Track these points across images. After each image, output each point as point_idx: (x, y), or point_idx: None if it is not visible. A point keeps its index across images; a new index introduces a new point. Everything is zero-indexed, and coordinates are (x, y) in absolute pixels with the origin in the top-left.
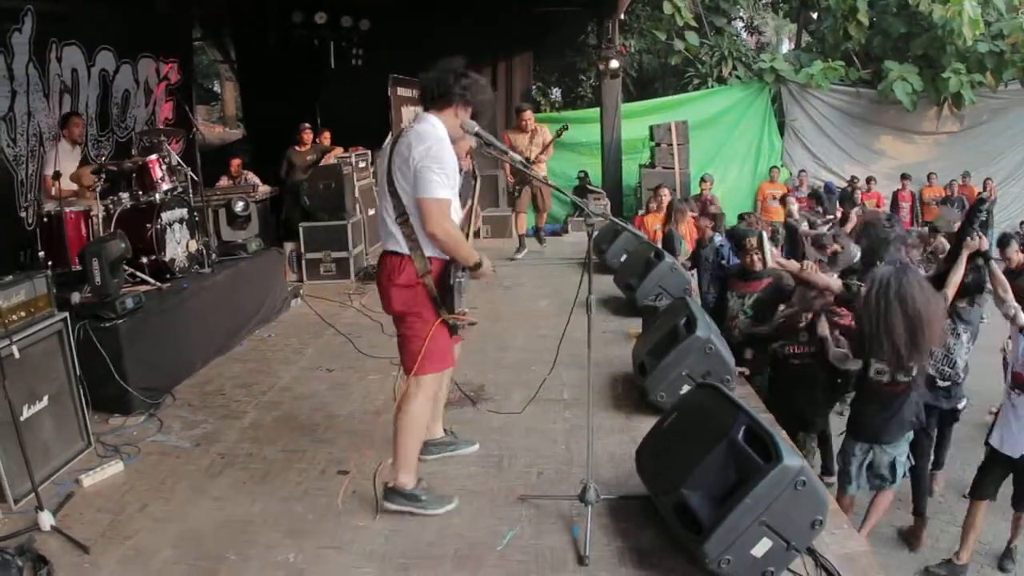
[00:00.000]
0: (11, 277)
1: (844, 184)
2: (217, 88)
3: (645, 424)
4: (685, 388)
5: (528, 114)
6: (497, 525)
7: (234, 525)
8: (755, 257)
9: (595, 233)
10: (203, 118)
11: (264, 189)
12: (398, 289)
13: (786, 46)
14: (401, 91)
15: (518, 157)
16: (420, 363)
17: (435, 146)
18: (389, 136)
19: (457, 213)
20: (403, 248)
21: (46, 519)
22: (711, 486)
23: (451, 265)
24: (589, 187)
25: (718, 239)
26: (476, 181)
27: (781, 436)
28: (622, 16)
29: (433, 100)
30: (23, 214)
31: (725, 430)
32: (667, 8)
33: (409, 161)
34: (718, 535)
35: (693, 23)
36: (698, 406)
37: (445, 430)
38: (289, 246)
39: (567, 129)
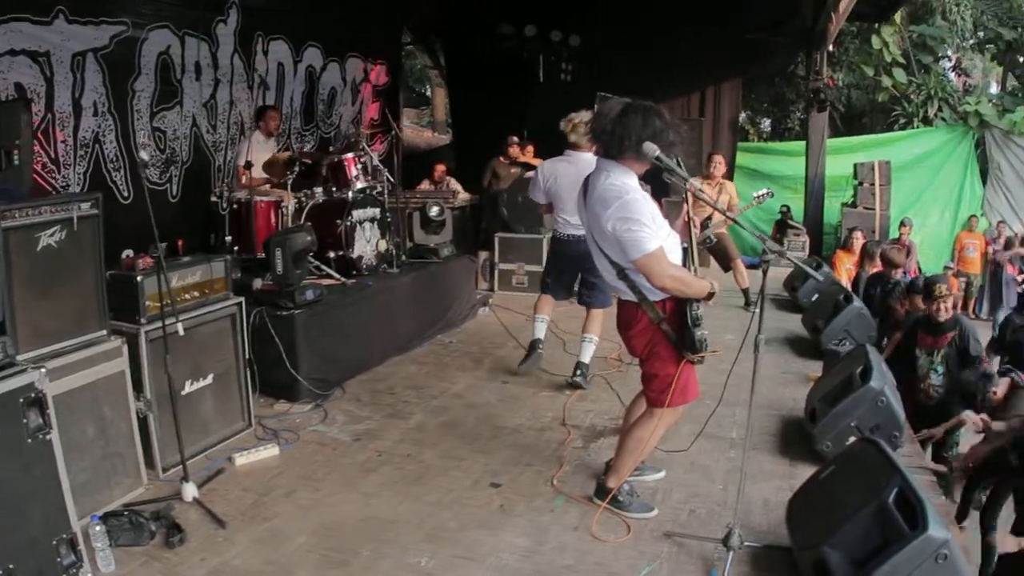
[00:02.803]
0: (189, 258)
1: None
2: (429, 92)
3: (808, 472)
4: (852, 440)
5: (719, 159)
6: (637, 559)
7: (376, 522)
8: (943, 306)
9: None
10: (412, 121)
11: (464, 196)
12: (637, 335)
13: (994, 89)
14: None
15: (698, 185)
16: (668, 398)
17: (620, 205)
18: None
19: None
20: (632, 298)
21: (189, 490)
22: (854, 547)
23: (685, 305)
24: (790, 222)
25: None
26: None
27: (934, 503)
28: (830, 48)
29: (608, 153)
30: (217, 199)
31: (878, 490)
32: (876, 43)
33: (604, 228)
34: None
35: (901, 60)
36: (856, 461)
37: None
38: (483, 255)
39: (770, 195)
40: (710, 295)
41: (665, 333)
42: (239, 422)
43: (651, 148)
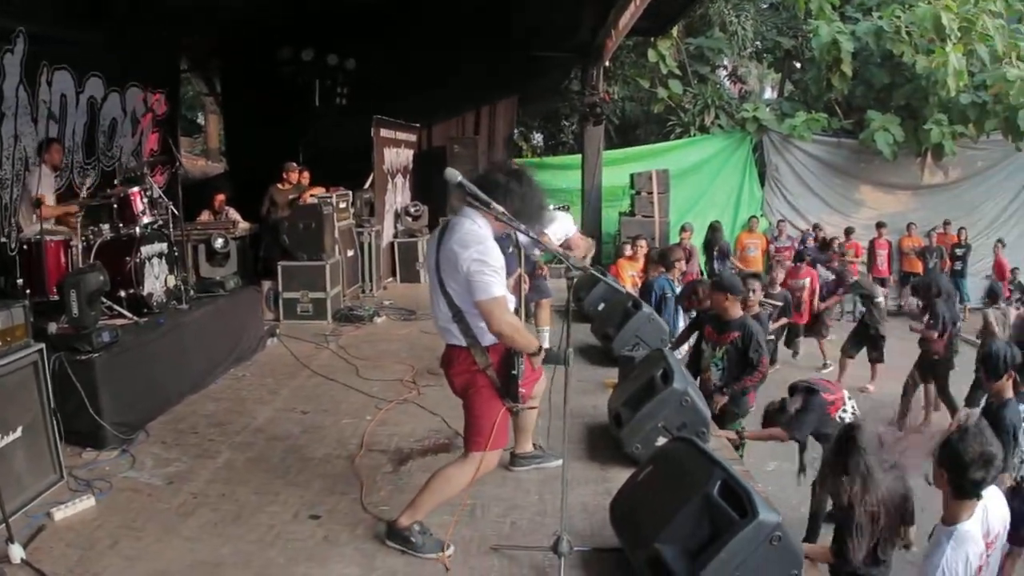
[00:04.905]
0: None
1: (806, 230)
2: (201, 120)
3: (620, 475)
4: (661, 440)
5: None
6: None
7: (204, 567)
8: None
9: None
10: (186, 150)
11: (244, 226)
12: (459, 375)
13: (769, 94)
14: (384, 132)
15: (500, 208)
16: (488, 443)
17: (479, 248)
18: (434, 231)
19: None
20: (461, 342)
21: (16, 552)
22: (686, 540)
23: (512, 356)
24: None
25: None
26: (520, 251)
27: (757, 490)
28: (607, 63)
29: (477, 199)
30: (5, 239)
31: (701, 484)
32: (652, 56)
33: (458, 267)
34: None
35: (677, 71)
36: (674, 459)
37: (534, 444)
38: (267, 284)
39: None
40: (539, 350)
41: (490, 379)
42: (52, 475)
43: (453, 173)
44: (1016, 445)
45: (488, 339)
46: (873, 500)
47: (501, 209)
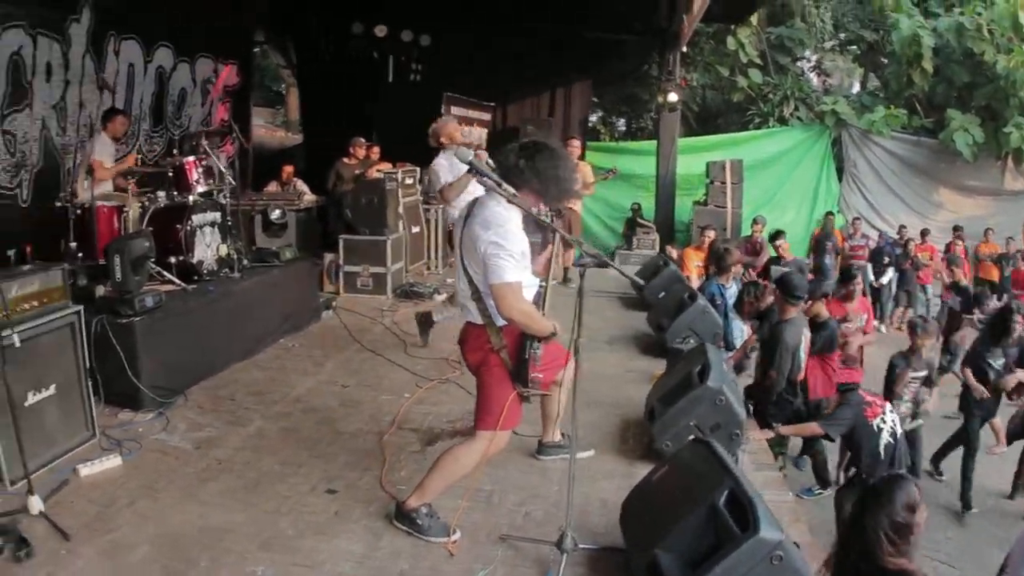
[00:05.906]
0: (28, 267)
1: (895, 235)
2: (284, 91)
3: (646, 472)
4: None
5: (575, 143)
6: (472, 563)
7: (214, 532)
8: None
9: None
10: (266, 121)
11: (310, 198)
12: (473, 351)
13: (856, 90)
14: (455, 109)
15: (511, 191)
16: (498, 422)
17: (498, 231)
18: (463, 206)
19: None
20: (478, 320)
21: (35, 504)
22: (686, 550)
23: (526, 338)
24: (640, 220)
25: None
26: (558, 221)
27: (765, 505)
28: (684, 49)
29: (490, 180)
30: (65, 204)
31: (708, 492)
32: (731, 44)
33: (477, 248)
34: None
35: (757, 60)
36: (689, 463)
37: (562, 434)
38: (329, 257)
39: (614, 174)
40: (552, 335)
41: (503, 360)
42: (83, 432)
43: (464, 153)
44: None
45: (503, 320)
46: None
47: (512, 191)
